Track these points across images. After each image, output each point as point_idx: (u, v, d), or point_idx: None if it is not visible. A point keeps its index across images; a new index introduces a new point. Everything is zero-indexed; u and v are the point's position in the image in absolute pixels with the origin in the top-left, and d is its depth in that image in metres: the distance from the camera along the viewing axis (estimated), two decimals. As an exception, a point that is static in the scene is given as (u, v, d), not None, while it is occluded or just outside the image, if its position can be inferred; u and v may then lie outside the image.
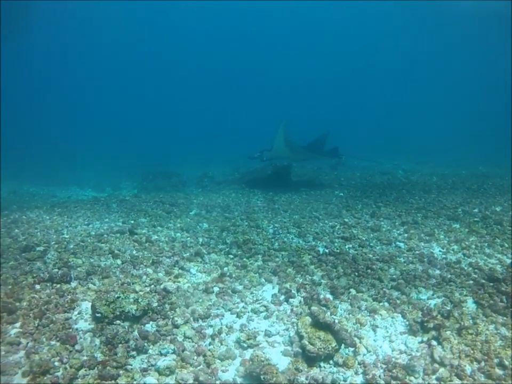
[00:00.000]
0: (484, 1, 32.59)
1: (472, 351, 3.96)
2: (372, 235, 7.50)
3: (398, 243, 7.06)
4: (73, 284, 5.53)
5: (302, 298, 5.05)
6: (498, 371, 3.71)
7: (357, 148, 19.19)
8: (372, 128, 35.62)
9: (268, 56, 55.96)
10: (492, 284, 5.27)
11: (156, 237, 7.64)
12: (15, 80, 44.03)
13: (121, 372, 3.79)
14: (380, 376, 3.70)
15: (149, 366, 3.91)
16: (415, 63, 52.14)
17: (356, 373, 3.80)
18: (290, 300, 5.04)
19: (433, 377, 3.70)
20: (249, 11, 48.64)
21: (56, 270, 5.89)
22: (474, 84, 49.19)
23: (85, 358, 3.95)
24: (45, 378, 3.67)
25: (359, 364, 3.91)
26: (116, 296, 4.66)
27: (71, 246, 7.06)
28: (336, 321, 4.33)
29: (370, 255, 6.40)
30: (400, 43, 50.60)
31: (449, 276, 5.61)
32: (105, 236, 7.67)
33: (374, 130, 34.23)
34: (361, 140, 24.99)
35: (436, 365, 3.80)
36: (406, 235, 7.46)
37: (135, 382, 3.69)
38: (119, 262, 6.33)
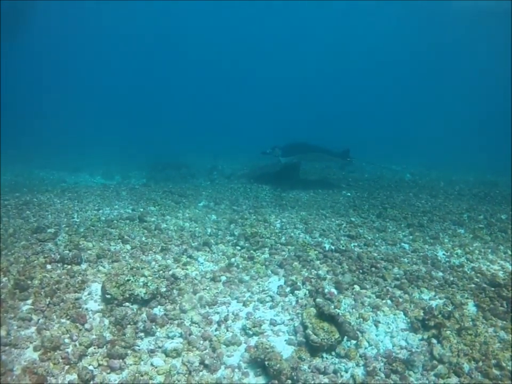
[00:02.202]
0: (484, 1, 32.23)
1: (470, 351, 4.06)
2: (377, 235, 7.59)
3: (402, 244, 7.14)
4: (84, 266, 5.68)
5: (307, 291, 5.17)
6: (496, 371, 3.81)
7: (365, 151, 19.26)
8: (380, 131, 35.49)
9: (278, 56, 55.78)
10: (493, 289, 5.34)
11: (165, 225, 7.77)
12: (21, 72, 44.38)
13: (129, 351, 3.93)
14: (380, 369, 3.81)
15: (156, 348, 4.05)
16: (418, 64, 51.60)
17: (357, 365, 3.91)
18: (296, 291, 5.16)
19: (432, 373, 3.80)
20: (257, 10, 48.55)
21: (67, 251, 6.04)
22: (477, 86, 48.69)
23: (94, 336, 4.10)
24: (55, 353, 3.82)
25: (360, 356, 4.02)
26: (126, 278, 4.80)
27: (82, 230, 7.22)
28: (340, 314, 4.43)
29: (375, 254, 6.50)
30: (404, 44, 49.97)
31: (451, 279, 5.70)
32: (115, 221, 7.82)
33: (382, 133, 34.12)
34: (369, 143, 24.90)
35: (435, 362, 3.91)
36: (411, 237, 7.53)
37: (142, 362, 3.83)
38: (128, 247, 6.48)
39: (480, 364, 3.91)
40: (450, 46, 46.66)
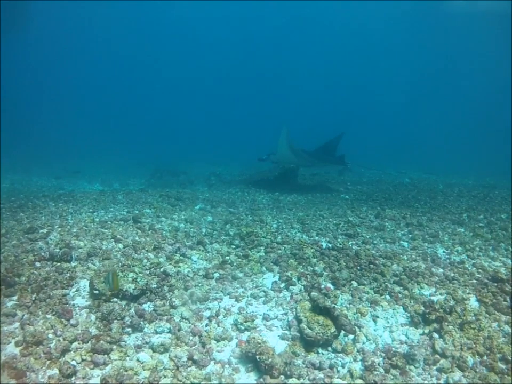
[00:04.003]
0: (485, 2, 32.25)
1: (474, 345, 3.87)
2: (375, 234, 7.42)
3: (401, 242, 6.97)
4: (74, 263, 5.51)
5: (303, 287, 4.98)
6: (501, 365, 3.62)
7: (364, 157, 19.16)
8: (378, 137, 35.45)
9: (276, 59, 55.79)
10: (495, 284, 5.17)
11: (159, 226, 7.61)
12: (19, 77, 44.44)
13: (114, 347, 3.75)
14: (379, 364, 3.62)
15: (143, 343, 3.86)
16: (419, 66, 51.42)
17: (355, 360, 3.72)
18: (291, 287, 4.97)
19: (434, 367, 3.61)
20: (254, 12, 48.46)
21: (58, 250, 5.87)
22: (477, 88, 48.55)
23: (79, 332, 3.92)
24: (37, 348, 3.64)
25: (358, 351, 3.82)
26: (115, 274, 4.62)
27: (74, 230, 7.05)
28: (337, 307, 4.25)
29: (374, 252, 6.31)
30: (404, 47, 49.91)
31: (452, 275, 5.52)
32: (109, 222, 7.66)
33: (381, 139, 34.08)
34: (368, 149, 24.83)
35: (437, 356, 3.71)
36: (410, 235, 7.36)
37: (127, 358, 3.65)
38: (120, 246, 6.31)
39: (485, 358, 3.72)
40: (450, 47, 46.53)
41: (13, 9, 22.43)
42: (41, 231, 6.92)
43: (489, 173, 17.84)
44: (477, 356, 3.75)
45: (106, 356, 3.61)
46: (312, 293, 4.18)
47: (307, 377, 3.45)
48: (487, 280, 5.31)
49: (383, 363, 3.64)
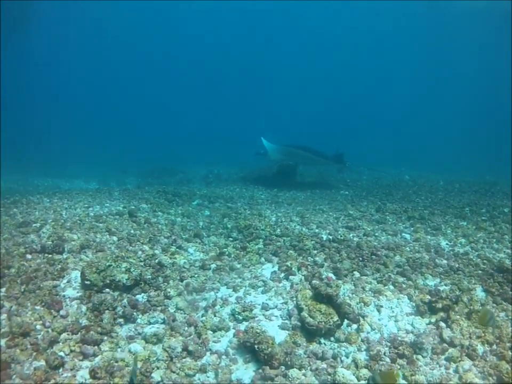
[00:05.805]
0: (485, 1, 32.14)
1: (483, 334, 3.69)
2: (377, 226, 7.25)
3: (403, 234, 6.80)
4: (65, 255, 5.32)
5: (303, 277, 4.79)
6: (512, 354, 3.45)
7: (363, 156, 19.03)
8: (377, 137, 35.31)
9: (272, 58, 55.26)
10: (501, 274, 5.00)
11: (155, 220, 7.42)
12: (18, 79, 44.06)
13: (105, 337, 3.57)
14: (385, 354, 3.44)
15: (135, 334, 3.68)
16: (419, 66, 51.12)
17: (359, 349, 3.54)
18: (291, 277, 4.79)
19: (443, 357, 3.44)
20: (253, 12, 48.10)
21: (50, 242, 5.67)
22: (477, 87, 48.32)
23: (69, 323, 3.73)
24: (24, 340, 3.44)
25: (362, 340, 3.64)
26: (107, 264, 4.44)
27: (68, 224, 6.84)
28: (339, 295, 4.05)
29: (375, 243, 6.14)
30: (403, 47, 49.58)
31: (457, 265, 5.36)
32: (103, 217, 7.47)
33: (380, 139, 33.96)
34: (367, 148, 24.71)
35: (445, 345, 3.54)
36: (412, 228, 7.20)
37: (119, 349, 3.46)
38: (115, 238, 6.12)
39: (495, 347, 3.55)
40: (450, 47, 46.25)
41: (14, 9, 22.22)
42: (34, 225, 6.71)
43: (489, 171, 17.69)
44: (486, 345, 3.58)
45: (96, 346, 3.43)
46: (314, 281, 4.00)
47: (309, 368, 3.27)
48: (492, 271, 5.15)
49: (389, 352, 3.47)
